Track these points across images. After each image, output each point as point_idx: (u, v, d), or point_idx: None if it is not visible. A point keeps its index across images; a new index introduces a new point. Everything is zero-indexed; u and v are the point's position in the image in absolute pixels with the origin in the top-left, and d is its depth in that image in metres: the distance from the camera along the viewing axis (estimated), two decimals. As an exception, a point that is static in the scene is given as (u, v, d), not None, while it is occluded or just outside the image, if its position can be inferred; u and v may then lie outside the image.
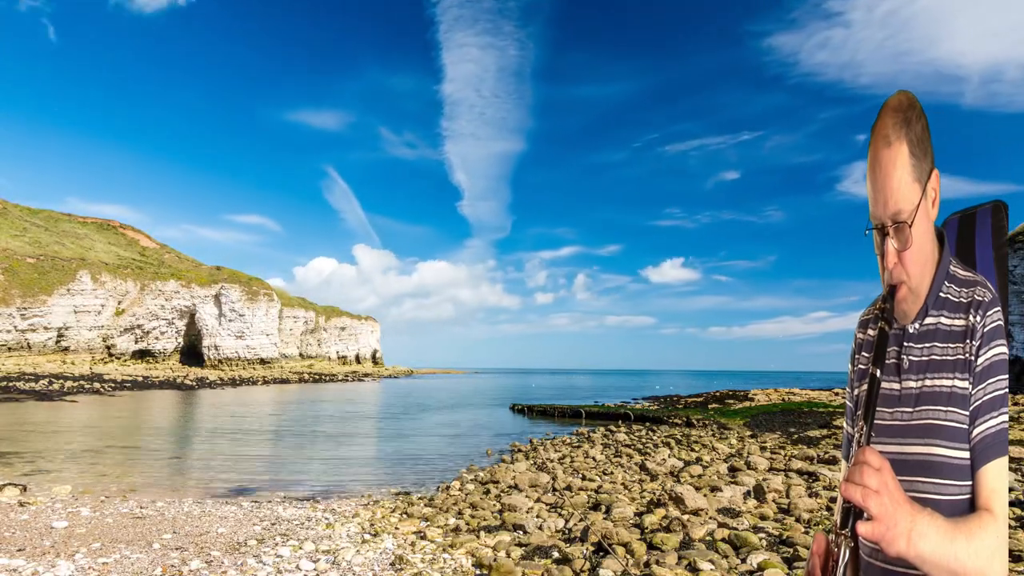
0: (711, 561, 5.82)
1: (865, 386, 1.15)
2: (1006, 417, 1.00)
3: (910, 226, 1.02)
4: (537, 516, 8.27)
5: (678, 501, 8.08)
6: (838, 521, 0.89)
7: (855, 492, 0.85)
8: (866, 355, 1.19)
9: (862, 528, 0.85)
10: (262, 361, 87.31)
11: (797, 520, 7.56)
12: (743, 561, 5.87)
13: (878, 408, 1.08)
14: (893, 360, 1.10)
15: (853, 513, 0.88)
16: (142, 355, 77.96)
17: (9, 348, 60.61)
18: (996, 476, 0.98)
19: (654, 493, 9.48)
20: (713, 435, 20.12)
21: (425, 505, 9.46)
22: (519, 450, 16.96)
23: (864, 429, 0.95)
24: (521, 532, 7.50)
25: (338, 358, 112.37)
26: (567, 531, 7.49)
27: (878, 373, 0.98)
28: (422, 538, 7.36)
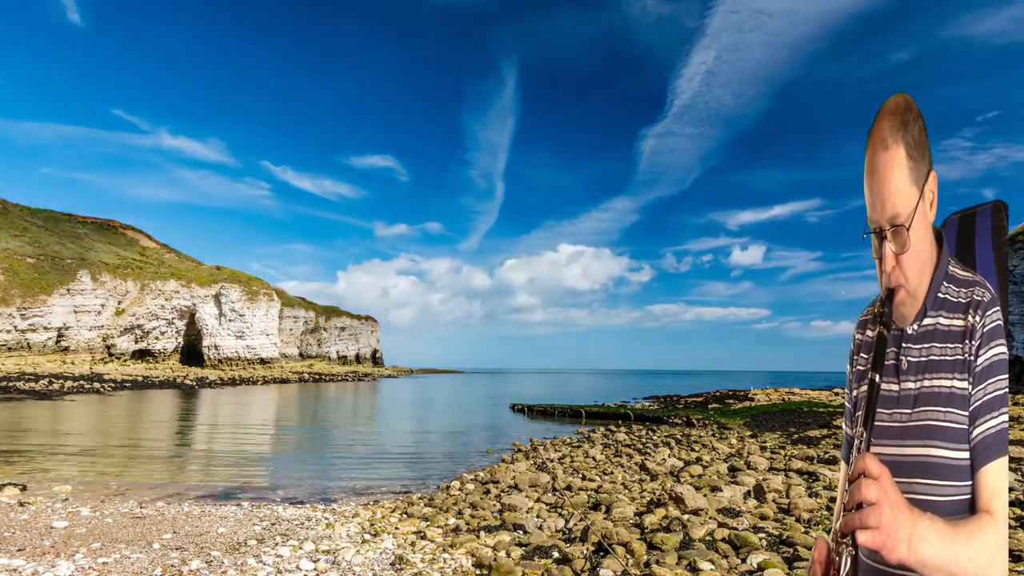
0: (711, 561, 5.82)
1: (864, 388, 1.14)
2: (1006, 417, 1.00)
3: (908, 229, 1.02)
4: (537, 516, 8.27)
5: (678, 501, 8.08)
6: (838, 529, 0.89)
7: (853, 520, 0.86)
8: (864, 356, 1.19)
9: (862, 537, 0.85)
10: (262, 361, 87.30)
11: (797, 520, 7.56)
12: (743, 561, 5.86)
13: (876, 409, 1.08)
14: (892, 361, 1.10)
15: None
16: (142, 355, 77.95)
17: (9, 348, 60.60)
18: (996, 477, 0.98)
19: (654, 493, 9.47)
20: (713, 435, 20.11)
21: (425, 505, 9.46)
22: (519, 450, 16.96)
23: (864, 435, 0.94)
24: (521, 532, 7.50)
25: (338, 358, 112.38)
26: (567, 531, 7.49)
27: (877, 378, 0.98)
28: (422, 538, 7.36)
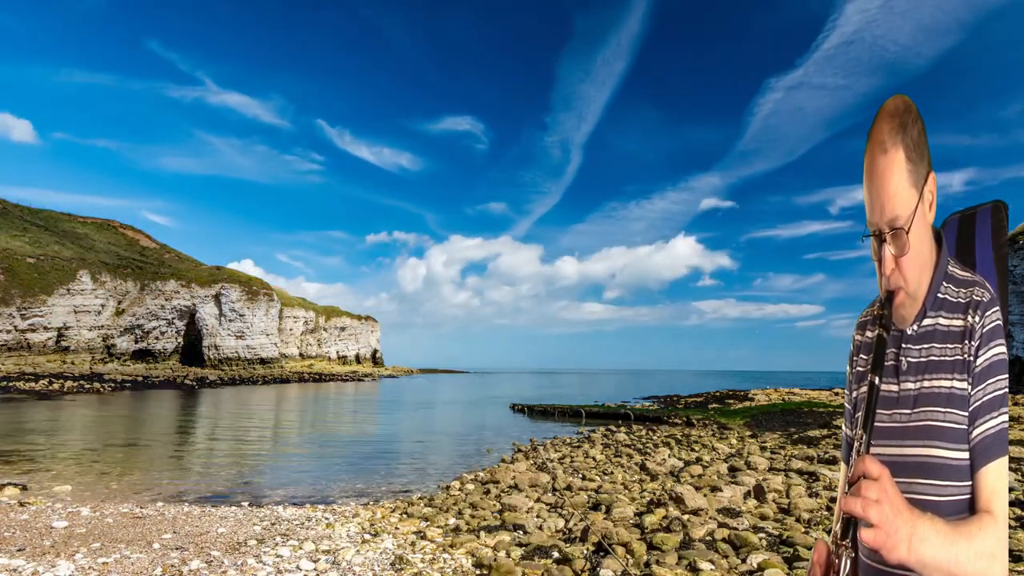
0: (711, 561, 5.82)
1: (864, 389, 1.14)
2: (1006, 417, 1.00)
3: (907, 232, 1.02)
4: (537, 516, 8.27)
5: (678, 501, 8.08)
6: (838, 531, 0.89)
7: (855, 504, 0.85)
8: (864, 357, 1.19)
9: (863, 535, 0.85)
10: (262, 361, 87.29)
11: (797, 520, 7.56)
12: (743, 561, 5.86)
13: (876, 410, 1.08)
14: (891, 362, 1.10)
15: (853, 523, 0.88)
16: (142, 355, 77.94)
17: (9, 348, 60.58)
18: (996, 477, 0.98)
19: (654, 493, 9.47)
20: (713, 435, 20.11)
21: (425, 505, 9.46)
22: (519, 450, 16.96)
23: (864, 437, 0.94)
24: (521, 532, 7.50)
25: (338, 358, 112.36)
26: (567, 531, 7.49)
27: (876, 380, 0.98)
28: (422, 538, 7.36)
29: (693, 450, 15.76)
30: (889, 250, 1.04)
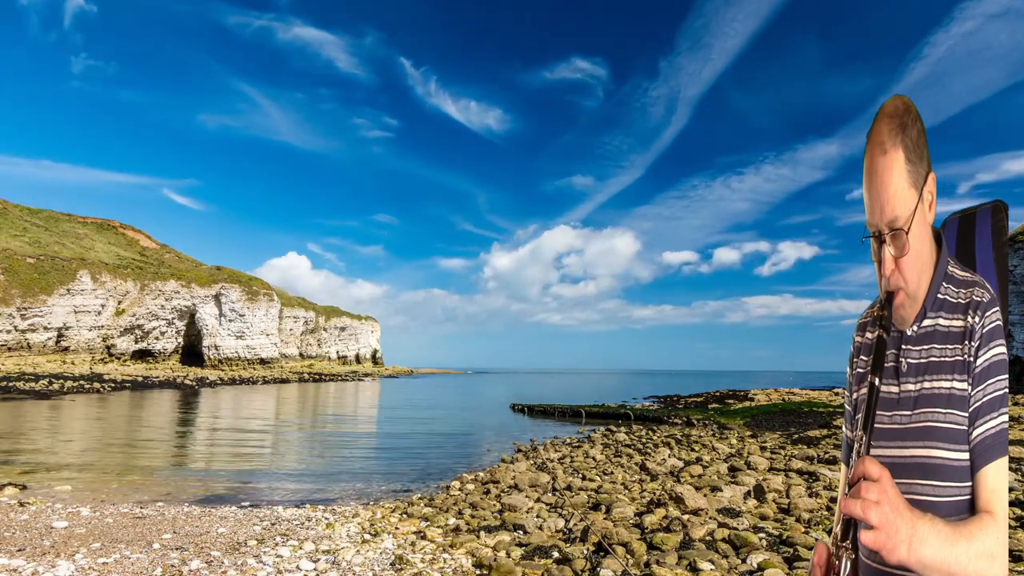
0: (711, 561, 5.82)
1: (864, 390, 1.14)
2: (1006, 417, 1.00)
3: (907, 232, 1.02)
4: (537, 516, 8.27)
5: (678, 501, 8.08)
6: (838, 532, 0.89)
7: (855, 506, 0.85)
8: (864, 358, 1.19)
9: (864, 537, 0.85)
10: (262, 361, 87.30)
11: (797, 520, 7.56)
12: (743, 561, 5.86)
13: (876, 412, 1.08)
14: (892, 363, 1.10)
15: (853, 524, 0.88)
16: (142, 355, 77.93)
17: (9, 348, 60.59)
18: (996, 477, 0.98)
19: (654, 493, 9.47)
20: (713, 435, 20.11)
21: (425, 505, 9.46)
22: (519, 450, 16.96)
23: (864, 439, 0.94)
24: (521, 532, 7.50)
25: (338, 358, 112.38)
26: (567, 531, 7.49)
27: (877, 382, 0.98)
28: (422, 538, 7.36)
29: (693, 450, 15.76)
30: (889, 251, 1.04)
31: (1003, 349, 1.03)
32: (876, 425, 1.08)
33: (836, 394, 39.71)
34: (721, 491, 9.07)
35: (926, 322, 1.08)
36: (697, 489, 9.20)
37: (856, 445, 0.95)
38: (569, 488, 10.46)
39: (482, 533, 7.40)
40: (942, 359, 1.05)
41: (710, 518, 7.68)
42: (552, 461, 14.08)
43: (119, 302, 74.63)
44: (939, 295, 1.09)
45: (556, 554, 6.39)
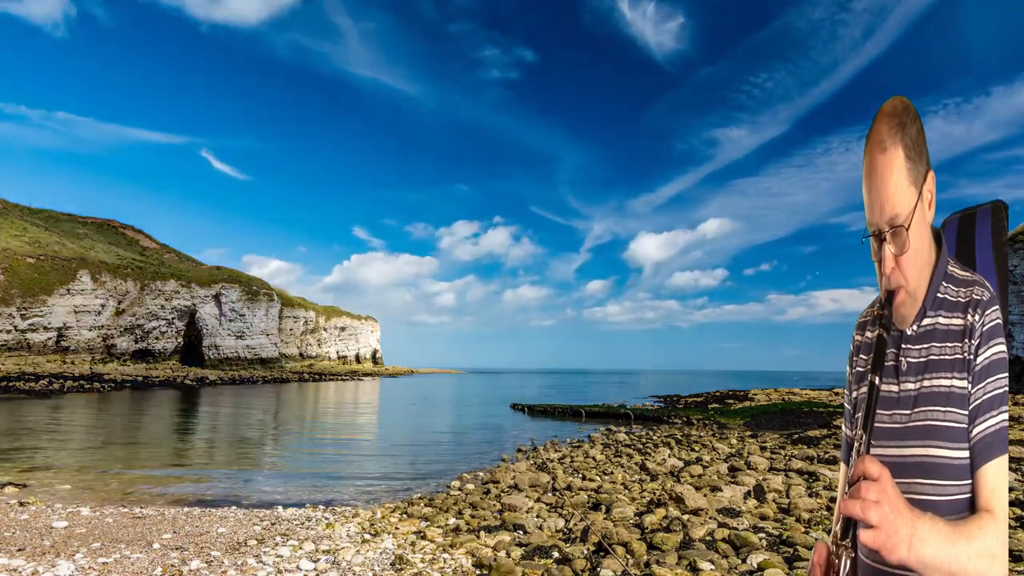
0: (711, 561, 5.82)
1: (864, 389, 1.14)
2: (1006, 416, 1.00)
3: (907, 230, 1.02)
4: (537, 516, 8.27)
5: (678, 501, 8.08)
6: (838, 532, 0.89)
7: (855, 506, 0.85)
8: (864, 357, 1.19)
9: (864, 537, 0.85)
10: (262, 361, 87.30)
11: (797, 520, 7.56)
12: (743, 561, 5.86)
13: (876, 411, 1.08)
14: (891, 362, 1.10)
15: (853, 524, 0.88)
16: (142, 355, 77.93)
17: (9, 348, 60.59)
18: (996, 476, 0.98)
19: (654, 493, 9.48)
20: (713, 435, 20.11)
21: (425, 505, 9.46)
22: (519, 450, 16.96)
23: (864, 438, 0.94)
24: (521, 532, 7.50)
25: (338, 358, 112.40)
26: (567, 531, 7.49)
27: (877, 381, 0.98)
28: (422, 538, 7.36)
29: (693, 450, 15.76)
30: (889, 249, 1.04)
31: (1003, 347, 1.03)
32: (876, 424, 1.08)
33: (836, 394, 39.72)
34: (721, 491, 9.07)
35: (926, 321, 1.08)
36: (697, 489, 9.20)
37: (856, 444, 0.95)
38: (569, 488, 10.46)
39: (482, 533, 7.40)
40: (942, 357, 1.05)
41: (710, 518, 7.68)
42: (552, 461, 14.08)
43: (119, 302, 74.64)
44: (939, 294, 1.09)
45: (556, 554, 6.39)
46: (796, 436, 18.17)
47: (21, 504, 8.79)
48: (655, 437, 19.50)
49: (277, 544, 6.95)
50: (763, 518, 7.85)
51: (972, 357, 1.02)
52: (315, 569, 6.01)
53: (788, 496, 9.00)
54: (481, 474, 12.54)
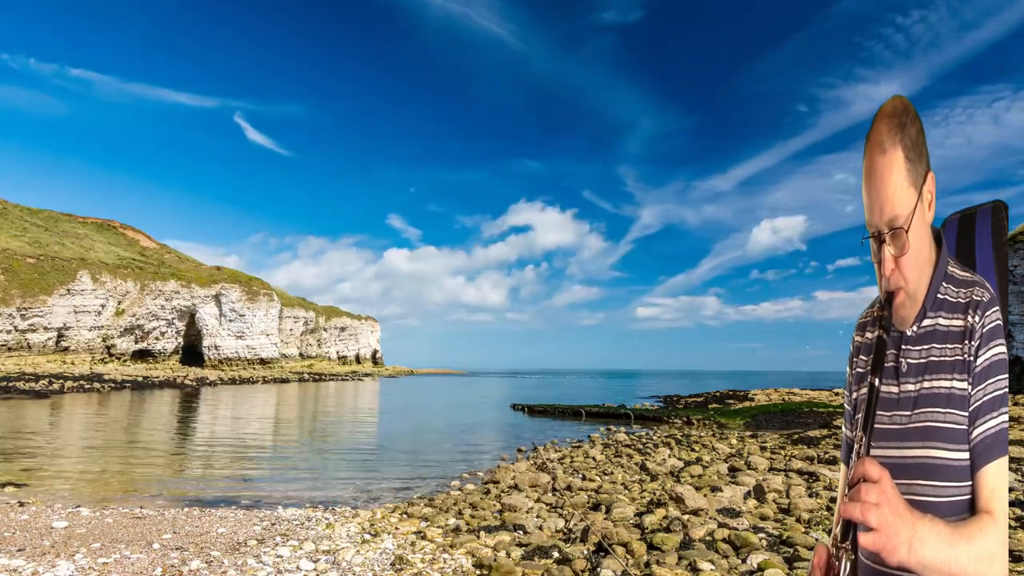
0: (711, 561, 5.82)
1: (864, 390, 1.14)
2: (1006, 417, 1.00)
3: (907, 231, 1.02)
4: (537, 516, 8.27)
5: (678, 501, 8.08)
6: (838, 533, 0.89)
7: (855, 509, 0.85)
8: (864, 358, 1.18)
9: (863, 539, 0.85)
10: (262, 361, 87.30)
11: (797, 520, 7.56)
12: (743, 561, 5.86)
13: (876, 412, 1.08)
14: (891, 363, 1.10)
15: (853, 525, 0.88)
16: (142, 355, 77.93)
17: (9, 348, 60.59)
18: (996, 477, 0.98)
19: (654, 493, 9.47)
20: (713, 435, 20.11)
21: (425, 505, 9.46)
22: (519, 450, 16.97)
23: (864, 439, 0.94)
24: (521, 532, 7.49)
25: (338, 358, 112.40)
26: (567, 531, 7.48)
27: (877, 382, 0.98)
28: (422, 538, 7.36)
29: (693, 450, 15.75)
30: (889, 250, 1.04)
31: (1003, 349, 1.02)
32: (876, 425, 1.08)
33: (836, 394, 39.72)
34: (721, 491, 9.07)
35: (926, 322, 1.08)
36: (697, 489, 9.20)
37: (856, 445, 0.95)
38: (569, 488, 10.46)
39: (482, 533, 7.40)
40: (942, 359, 1.05)
41: (710, 518, 7.68)
42: (552, 461, 14.08)
43: (119, 302, 74.63)
44: (939, 295, 1.08)
45: (556, 554, 6.38)
46: (796, 436, 18.17)
47: (21, 504, 8.79)
48: (655, 437, 19.50)
49: (277, 544, 6.94)
50: (763, 518, 7.85)
51: (972, 358, 1.02)
52: (315, 569, 6.01)
53: (788, 496, 9.00)
54: (481, 474, 12.54)
